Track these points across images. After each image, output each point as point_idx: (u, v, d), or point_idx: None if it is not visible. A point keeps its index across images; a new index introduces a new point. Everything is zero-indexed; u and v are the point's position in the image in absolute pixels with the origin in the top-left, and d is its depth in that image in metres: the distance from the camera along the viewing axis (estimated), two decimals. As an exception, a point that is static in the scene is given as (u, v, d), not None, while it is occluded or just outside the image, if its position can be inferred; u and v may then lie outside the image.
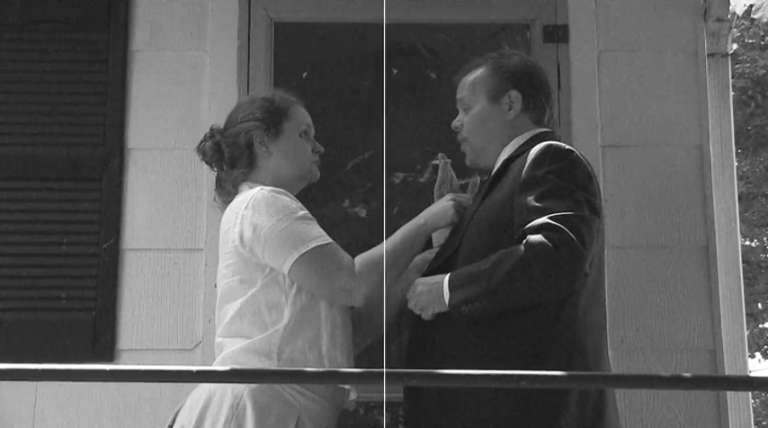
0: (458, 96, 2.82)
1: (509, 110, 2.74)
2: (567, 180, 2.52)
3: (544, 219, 2.42)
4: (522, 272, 2.41)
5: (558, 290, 2.46)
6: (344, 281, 2.56)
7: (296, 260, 2.54)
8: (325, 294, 2.58)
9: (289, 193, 2.69)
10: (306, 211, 2.63)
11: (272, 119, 2.76)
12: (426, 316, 2.56)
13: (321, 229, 2.62)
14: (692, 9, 3.51)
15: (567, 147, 2.62)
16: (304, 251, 2.54)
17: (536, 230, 2.41)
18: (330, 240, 2.60)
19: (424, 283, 2.57)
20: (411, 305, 2.59)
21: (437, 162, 2.90)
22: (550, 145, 2.60)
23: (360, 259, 2.60)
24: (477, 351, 2.50)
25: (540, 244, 2.39)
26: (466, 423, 2.49)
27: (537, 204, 2.46)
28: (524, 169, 2.54)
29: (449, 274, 2.53)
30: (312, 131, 2.85)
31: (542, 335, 2.49)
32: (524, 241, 2.42)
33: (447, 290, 2.50)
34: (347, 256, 2.60)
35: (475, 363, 2.45)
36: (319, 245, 2.56)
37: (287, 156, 2.77)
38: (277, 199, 2.61)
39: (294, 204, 2.63)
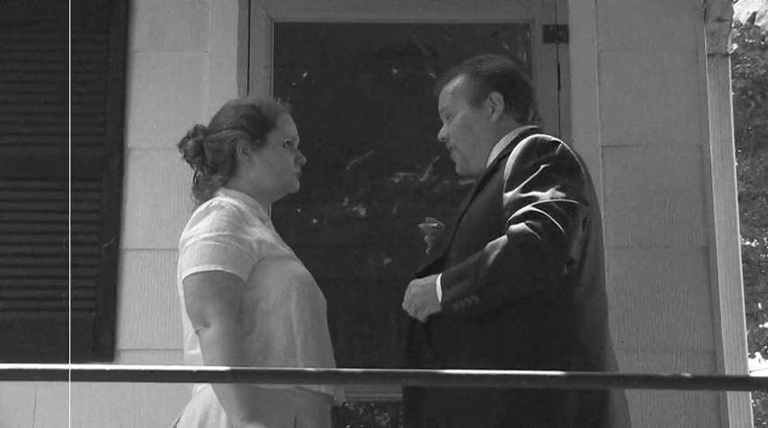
0: (439, 107, 2.82)
1: (492, 112, 2.75)
2: (553, 169, 2.52)
3: (527, 208, 2.42)
4: (507, 262, 2.41)
5: (544, 278, 2.45)
6: (205, 315, 2.49)
7: (187, 275, 2.55)
8: (190, 318, 2.55)
9: (244, 208, 2.66)
10: (232, 233, 2.56)
11: (258, 128, 2.75)
12: (421, 317, 2.56)
13: (236, 256, 2.55)
14: (692, 9, 3.51)
15: (553, 138, 2.62)
16: (188, 273, 2.55)
17: (519, 219, 2.42)
18: (221, 269, 2.52)
19: (417, 285, 2.58)
20: (406, 306, 2.59)
21: (422, 225, 2.86)
22: (536, 138, 2.61)
23: (231, 333, 2.48)
24: (472, 349, 2.50)
25: (522, 232, 2.39)
26: (465, 423, 2.49)
27: (522, 195, 2.47)
28: (511, 164, 2.55)
29: (441, 273, 2.53)
30: (297, 141, 2.82)
31: (537, 331, 2.49)
32: (507, 231, 2.42)
33: (440, 289, 2.50)
34: (229, 304, 2.50)
35: (471, 362, 2.45)
36: (203, 271, 2.52)
37: (269, 167, 2.75)
38: (219, 213, 2.60)
39: (229, 222, 2.58)
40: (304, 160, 2.83)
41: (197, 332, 2.51)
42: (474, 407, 2.46)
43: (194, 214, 2.65)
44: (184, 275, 2.56)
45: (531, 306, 2.48)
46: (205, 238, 2.56)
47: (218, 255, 2.54)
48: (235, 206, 2.63)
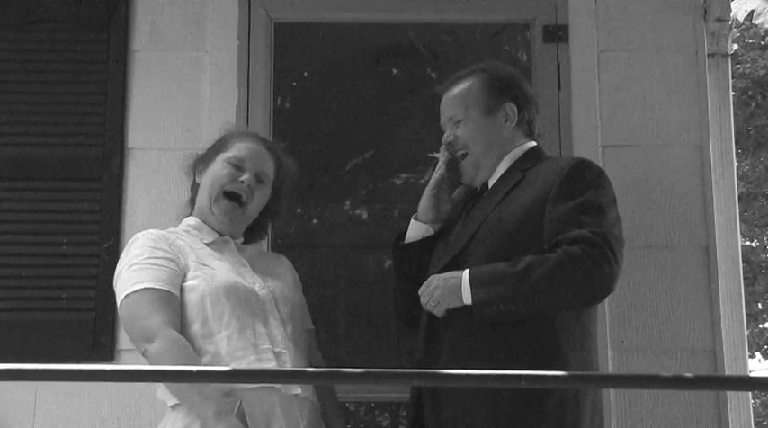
0: (447, 111, 2.78)
1: (505, 122, 2.73)
2: (602, 198, 2.56)
3: (584, 233, 2.44)
4: (557, 280, 2.43)
5: (587, 302, 2.52)
6: (138, 332, 2.50)
7: (119, 307, 2.57)
8: (134, 342, 2.55)
9: (194, 228, 2.70)
10: (153, 254, 2.58)
11: (211, 150, 2.80)
12: (440, 311, 2.54)
13: (159, 273, 2.54)
14: (692, 9, 3.50)
15: (598, 165, 2.69)
16: (121, 298, 2.56)
17: (574, 241, 2.43)
18: (154, 286, 2.51)
19: (439, 279, 2.56)
20: (424, 301, 2.57)
21: (437, 154, 2.82)
22: (586, 161, 2.67)
23: (179, 342, 2.47)
24: (490, 354, 2.48)
25: (579, 256, 2.42)
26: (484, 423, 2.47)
27: (571, 216, 2.49)
28: (557, 181, 2.55)
29: (467, 270, 2.51)
30: (250, 168, 2.72)
31: (556, 335, 2.49)
32: (561, 250, 2.44)
33: (468, 286, 2.49)
34: (165, 316, 2.49)
35: (491, 364, 2.44)
36: (134, 291, 2.52)
37: (207, 180, 2.76)
38: (134, 244, 2.64)
39: (146, 248, 2.60)
40: (247, 179, 2.71)
41: (143, 353, 2.49)
42: (491, 416, 2.45)
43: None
44: (119, 302, 2.56)
45: (554, 317, 2.51)
46: (131, 265, 2.58)
47: (146, 275, 2.55)
48: (150, 232, 2.66)
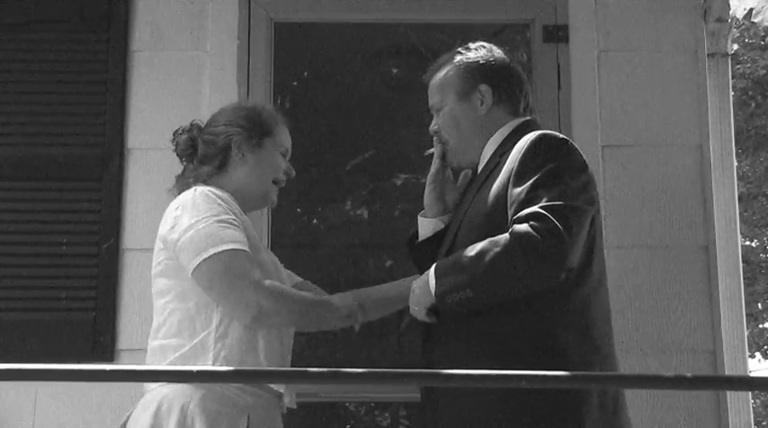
0: (430, 101, 2.75)
1: (481, 104, 2.68)
2: (561, 170, 2.47)
3: (533, 209, 2.38)
4: (506, 261, 2.36)
5: (540, 281, 2.41)
6: (249, 294, 2.44)
7: (200, 262, 2.46)
8: (227, 303, 2.47)
9: (227, 198, 2.60)
10: (231, 216, 2.53)
11: (256, 130, 2.72)
12: (421, 315, 2.51)
13: (242, 235, 2.51)
14: (692, 9, 3.51)
15: (561, 136, 2.57)
16: (211, 253, 2.45)
17: (523, 220, 2.38)
18: (245, 248, 2.48)
19: (415, 282, 2.55)
20: (411, 309, 2.56)
21: (433, 150, 2.78)
22: (544, 134, 2.55)
23: (283, 287, 2.49)
24: (482, 346, 2.47)
25: (524, 233, 2.35)
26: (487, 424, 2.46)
27: (529, 194, 2.42)
28: (517, 160, 2.49)
29: (435, 263, 2.49)
30: (289, 155, 2.79)
31: (550, 330, 2.45)
32: (510, 230, 2.38)
33: (433, 279, 2.46)
34: (259, 272, 2.48)
35: (484, 362, 2.42)
36: (229, 249, 2.46)
37: (259, 168, 2.71)
38: (207, 198, 2.54)
39: (221, 207, 2.53)
40: (293, 173, 2.78)
41: (256, 306, 2.44)
42: (499, 411, 2.44)
43: (177, 206, 2.57)
44: (197, 261, 2.46)
45: (543, 304, 2.45)
46: (215, 222, 2.49)
47: (229, 234, 2.48)
48: (216, 193, 2.57)
